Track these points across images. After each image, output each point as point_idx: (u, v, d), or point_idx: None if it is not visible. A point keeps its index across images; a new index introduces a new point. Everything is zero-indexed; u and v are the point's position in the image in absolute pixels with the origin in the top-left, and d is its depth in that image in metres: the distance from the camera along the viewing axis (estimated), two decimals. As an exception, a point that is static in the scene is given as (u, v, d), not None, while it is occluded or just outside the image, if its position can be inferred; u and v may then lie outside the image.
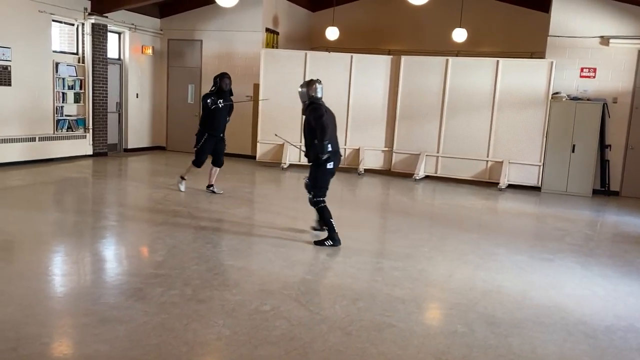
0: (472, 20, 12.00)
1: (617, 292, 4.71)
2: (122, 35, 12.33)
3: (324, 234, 5.62)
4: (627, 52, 10.06)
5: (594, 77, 10.28)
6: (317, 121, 5.39)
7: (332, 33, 12.38)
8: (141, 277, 4.34)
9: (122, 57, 12.43)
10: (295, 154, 11.51)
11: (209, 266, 4.73)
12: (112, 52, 11.98)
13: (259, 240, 5.77)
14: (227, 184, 8.80)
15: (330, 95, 11.23)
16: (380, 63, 11.37)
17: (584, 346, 3.58)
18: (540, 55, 12.07)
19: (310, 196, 5.65)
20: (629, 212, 8.77)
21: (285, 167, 11.40)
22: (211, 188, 8.17)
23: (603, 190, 10.26)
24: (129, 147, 12.76)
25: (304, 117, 5.73)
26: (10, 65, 9.51)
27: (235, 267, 4.79)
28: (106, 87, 11.61)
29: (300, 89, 5.78)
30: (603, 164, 10.24)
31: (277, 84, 11.54)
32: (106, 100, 11.65)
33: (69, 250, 5.07)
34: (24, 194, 7.69)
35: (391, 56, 11.40)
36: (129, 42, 12.40)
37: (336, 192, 7.90)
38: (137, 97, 12.81)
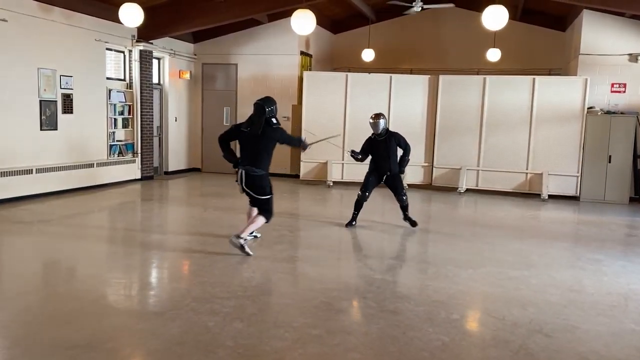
0: (491, 40, 12.64)
1: None
2: (161, 61, 12.55)
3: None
4: (655, 68, 10.80)
5: (624, 92, 10.99)
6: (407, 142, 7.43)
7: (368, 55, 12.87)
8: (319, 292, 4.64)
9: (161, 82, 12.64)
10: (338, 172, 11.87)
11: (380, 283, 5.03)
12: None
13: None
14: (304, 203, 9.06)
15: (369, 115, 11.75)
16: (418, 82, 11.87)
17: None
18: (558, 72, 12.83)
19: (405, 198, 7.45)
20: (673, 217, 9.39)
21: (330, 184, 11.74)
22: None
23: (638, 198, 10.91)
24: (169, 169, 12.92)
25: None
26: (72, 94, 9.66)
27: (391, 281, 5.11)
28: (152, 112, 11.81)
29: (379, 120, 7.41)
30: (637, 172, 10.90)
31: (319, 105, 11.93)
32: (152, 124, 11.85)
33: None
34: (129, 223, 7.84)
35: (429, 76, 11.91)
36: (168, 67, 12.62)
37: (394, 209, 8.25)
38: (175, 120, 13.01)
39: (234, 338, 3.67)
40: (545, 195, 10.88)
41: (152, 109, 11.83)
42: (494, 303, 4.60)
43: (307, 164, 12.09)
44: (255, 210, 6.09)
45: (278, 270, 5.37)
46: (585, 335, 3.93)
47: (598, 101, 11.06)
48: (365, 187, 7.56)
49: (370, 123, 7.53)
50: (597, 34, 11.04)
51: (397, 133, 7.63)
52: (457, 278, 5.26)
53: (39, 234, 6.82)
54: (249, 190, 5.93)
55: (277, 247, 6.29)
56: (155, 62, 12.24)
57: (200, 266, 5.39)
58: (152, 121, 11.88)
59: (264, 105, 5.86)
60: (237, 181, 5.96)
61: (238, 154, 6.13)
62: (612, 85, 11.05)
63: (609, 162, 10.73)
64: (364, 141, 7.72)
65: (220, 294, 4.53)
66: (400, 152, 7.55)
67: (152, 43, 11.52)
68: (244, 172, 5.84)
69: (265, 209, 5.97)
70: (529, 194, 11.21)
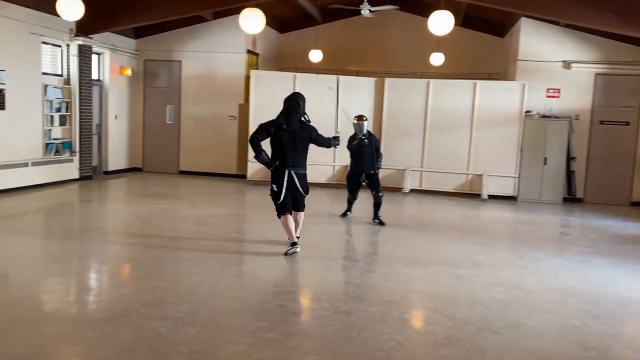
0: (434, 45, 12.97)
1: (659, 285, 5.57)
2: (101, 57, 12.09)
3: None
4: (586, 75, 11.41)
5: (559, 97, 11.55)
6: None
7: (315, 55, 12.92)
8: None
9: (101, 78, 12.17)
10: (286, 173, 11.81)
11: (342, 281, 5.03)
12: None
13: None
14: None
15: (317, 115, 11.79)
16: (365, 84, 12.01)
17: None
18: (498, 77, 13.35)
19: (381, 195, 7.79)
20: (603, 216, 9.92)
21: (278, 185, 11.66)
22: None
23: (570, 198, 11.49)
24: (109, 169, 12.46)
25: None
26: (4, 89, 9.14)
27: (346, 282, 5.13)
28: (91, 109, 11.36)
29: (364, 122, 7.75)
30: (569, 174, 11.48)
31: (266, 104, 11.80)
32: (91, 122, 11.40)
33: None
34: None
35: (375, 78, 12.08)
36: (109, 63, 12.18)
37: (342, 209, 8.37)
38: (115, 118, 12.57)
39: (187, 343, 3.58)
40: (485, 195, 11.26)
41: (92, 106, 11.38)
42: (444, 302, 4.71)
43: (255, 164, 11.94)
44: (290, 218, 5.90)
45: (229, 274, 5.28)
46: (531, 332, 4.09)
47: (535, 105, 11.56)
48: (352, 191, 8.10)
49: (354, 124, 7.75)
50: (534, 41, 11.54)
51: (373, 134, 8.25)
52: (408, 278, 5.35)
53: (-31, 237, 6.41)
54: (300, 190, 5.77)
55: (227, 250, 6.18)
56: (94, 57, 11.76)
57: (148, 270, 5.21)
58: (91, 119, 11.42)
59: (299, 101, 5.70)
60: (278, 185, 5.65)
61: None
62: (548, 90, 11.58)
63: (545, 163, 11.24)
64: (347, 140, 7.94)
65: (171, 299, 4.40)
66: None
67: (91, 38, 11.06)
68: (292, 172, 5.64)
69: (304, 204, 6.03)
70: (470, 194, 11.57)
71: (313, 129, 5.86)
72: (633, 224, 9.29)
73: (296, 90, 5.81)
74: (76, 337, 3.68)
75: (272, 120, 5.75)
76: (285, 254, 5.81)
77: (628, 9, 8.98)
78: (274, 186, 5.71)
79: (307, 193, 5.95)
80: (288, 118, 5.64)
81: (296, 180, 5.69)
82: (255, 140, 5.64)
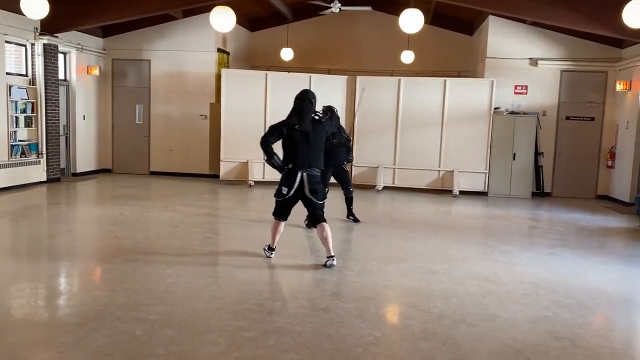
0: (405, 43, 13.11)
1: (626, 273, 5.75)
2: (67, 56, 11.84)
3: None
4: (552, 72, 11.68)
5: (526, 93, 11.80)
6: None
7: (286, 54, 12.91)
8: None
9: (68, 78, 11.92)
10: (259, 171, 11.79)
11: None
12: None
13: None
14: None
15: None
16: (337, 83, 12.05)
17: (642, 317, 4.47)
18: (467, 74, 13.57)
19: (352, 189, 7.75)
20: (570, 209, 10.19)
21: (252, 184, 11.62)
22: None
23: (539, 192, 11.76)
24: (78, 171, 12.22)
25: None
26: (-34, 89, 8.87)
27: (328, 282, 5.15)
28: (58, 110, 11.14)
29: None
30: (537, 169, 11.75)
31: (238, 103, 11.77)
32: (58, 123, 11.18)
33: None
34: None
35: (347, 76, 12.13)
36: (75, 63, 11.93)
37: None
38: (83, 119, 12.33)
39: (164, 345, 3.54)
40: (456, 191, 11.43)
41: (58, 106, 11.15)
42: (419, 296, 4.77)
43: (227, 163, 11.89)
44: (283, 225, 5.68)
45: (205, 274, 5.24)
46: (505, 323, 4.17)
47: (503, 102, 11.79)
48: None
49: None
50: (502, 39, 11.76)
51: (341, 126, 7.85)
52: (383, 274, 5.40)
53: None
54: (310, 197, 5.35)
55: (201, 251, 6.13)
56: (60, 56, 11.51)
57: (122, 272, 5.14)
58: (59, 119, 11.20)
59: (312, 99, 5.38)
60: (289, 188, 5.33)
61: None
62: (516, 87, 11.82)
63: (514, 159, 11.47)
64: None
65: (146, 301, 4.35)
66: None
67: (57, 36, 10.83)
68: (305, 175, 5.30)
69: (322, 212, 5.53)
70: (441, 191, 11.74)
71: (327, 123, 5.65)
72: (599, 216, 9.56)
73: (307, 89, 5.50)
74: (49, 343, 3.60)
75: (284, 121, 5.40)
76: (264, 254, 5.78)
77: (592, 7, 9.24)
78: (284, 189, 5.38)
79: (323, 198, 5.53)
80: (300, 118, 5.30)
81: (305, 184, 5.32)
82: (267, 143, 5.28)
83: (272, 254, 5.77)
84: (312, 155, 5.35)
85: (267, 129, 5.62)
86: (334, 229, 7.51)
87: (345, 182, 7.82)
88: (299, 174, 5.31)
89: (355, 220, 7.89)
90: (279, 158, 5.38)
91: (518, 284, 5.23)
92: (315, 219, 5.54)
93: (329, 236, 5.46)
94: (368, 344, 3.69)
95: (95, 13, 10.66)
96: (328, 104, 7.47)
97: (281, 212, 5.59)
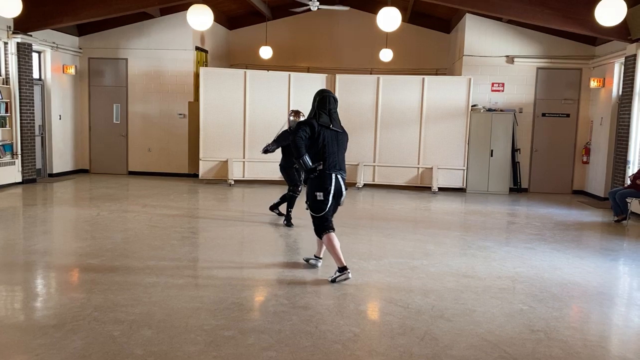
0: (383, 41, 13.18)
1: (600, 267, 5.87)
2: (42, 55, 11.66)
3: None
4: (528, 69, 11.85)
5: (503, 91, 11.95)
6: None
7: (265, 52, 12.87)
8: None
9: (43, 77, 11.73)
10: (239, 170, 11.75)
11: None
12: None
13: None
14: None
15: (269, 112, 11.78)
16: (317, 81, 12.05)
17: (622, 309, 4.57)
18: (444, 72, 13.70)
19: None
20: (546, 205, 10.36)
21: (232, 183, 11.59)
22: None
23: (516, 188, 11.92)
24: (54, 171, 12.04)
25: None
26: (-62, 89, 8.69)
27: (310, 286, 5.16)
28: (33, 110, 10.96)
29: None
30: (514, 165, 11.91)
31: (217, 101, 11.71)
32: (33, 123, 11.00)
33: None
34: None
35: (326, 74, 12.15)
36: (50, 62, 11.75)
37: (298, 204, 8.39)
38: (60, 118, 12.16)
39: (143, 346, 3.52)
40: (435, 188, 11.54)
41: (33, 106, 10.98)
42: (398, 292, 4.81)
43: (207, 162, 11.83)
44: (336, 236, 5.09)
45: (183, 274, 5.22)
46: (482, 318, 4.23)
47: (480, 99, 11.92)
48: (297, 182, 7.55)
49: (292, 121, 7.39)
50: (479, 37, 11.89)
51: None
52: (362, 270, 5.43)
53: None
54: (340, 201, 4.92)
55: (180, 250, 6.10)
56: (35, 55, 11.33)
57: (99, 273, 5.09)
58: (34, 119, 11.02)
59: (336, 98, 5.04)
60: (324, 192, 4.83)
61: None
62: (492, 84, 11.97)
63: (491, 155, 11.62)
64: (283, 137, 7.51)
65: (124, 302, 4.32)
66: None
67: (31, 35, 10.67)
68: (340, 177, 4.88)
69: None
70: (421, 187, 11.84)
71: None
72: (575, 211, 9.73)
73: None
74: (25, 346, 3.55)
75: (313, 119, 4.93)
76: (333, 281, 4.96)
77: (566, 6, 9.39)
78: (319, 194, 4.82)
79: (340, 204, 5.14)
80: (332, 117, 4.92)
81: (343, 187, 4.93)
82: (300, 139, 4.78)
83: (348, 273, 4.98)
84: (341, 157, 4.99)
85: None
86: (308, 227, 7.54)
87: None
88: (333, 176, 4.87)
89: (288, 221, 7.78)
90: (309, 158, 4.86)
91: (495, 279, 5.31)
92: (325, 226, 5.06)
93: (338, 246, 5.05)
94: (347, 340, 3.72)
95: (70, 11, 10.51)
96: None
97: (325, 222, 5.01)
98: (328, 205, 4.89)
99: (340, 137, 5.01)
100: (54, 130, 11.95)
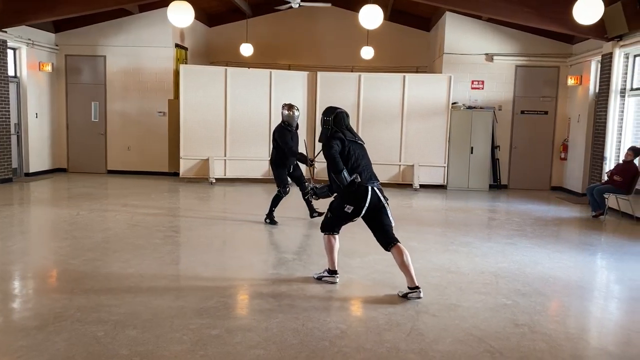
0: (364, 39, 13.20)
1: (579, 261, 5.97)
2: (17, 52, 11.42)
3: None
4: (507, 67, 11.99)
5: (483, 88, 12.07)
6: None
7: (246, 49, 12.80)
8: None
9: (18, 74, 11.50)
10: (220, 168, 11.68)
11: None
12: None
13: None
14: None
15: (250, 110, 11.70)
16: (298, 78, 12.03)
17: (600, 301, 4.66)
18: (425, 69, 13.77)
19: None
20: (526, 201, 10.50)
21: (213, 182, 11.50)
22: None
23: (496, 185, 12.07)
24: (31, 171, 11.82)
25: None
26: None
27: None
28: (8, 108, 10.74)
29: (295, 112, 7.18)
30: (494, 162, 12.05)
31: (197, 99, 11.61)
32: (9, 121, 10.78)
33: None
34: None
35: (307, 72, 12.12)
36: (26, 59, 11.52)
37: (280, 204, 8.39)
38: (36, 117, 11.93)
39: (128, 346, 3.48)
40: (416, 185, 11.62)
41: (8, 104, 10.75)
42: (383, 288, 4.83)
43: (187, 161, 11.73)
44: (338, 240, 4.93)
45: (168, 273, 5.17)
46: (466, 313, 4.27)
47: (460, 97, 12.03)
48: (287, 183, 7.46)
49: (286, 115, 7.31)
50: (458, 35, 11.99)
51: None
52: (348, 267, 5.44)
53: None
54: (385, 204, 4.69)
55: (163, 250, 6.04)
56: (10, 52, 11.09)
57: (81, 273, 5.01)
58: (9, 118, 10.80)
59: (347, 112, 4.97)
60: (355, 206, 4.63)
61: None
62: (472, 82, 12.08)
63: (471, 153, 11.73)
64: (278, 133, 7.40)
65: (108, 301, 4.26)
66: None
67: (5, 31, 10.43)
68: (376, 188, 4.69)
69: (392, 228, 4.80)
70: (402, 185, 11.90)
71: None
72: (553, 207, 9.89)
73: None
74: (6, 348, 3.48)
75: (335, 135, 4.74)
76: (319, 279, 4.97)
77: (544, 4, 9.53)
78: (349, 207, 4.64)
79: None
80: (352, 131, 4.86)
81: (381, 196, 4.70)
82: (335, 153, 4.58)
83: (336, 278, 4.95)
84: (371, 168, 4.87)
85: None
86: (295, 226, 7.55)
87: (300, 180, 7.67)
88: (370, 189, 4.64)
89: (320, 214, 7.84)
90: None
91: (478, 274, 5.37)
92: (388, 238, 4.74)
93: (410, 261, 4.63)
94: (334, 337, 3.72)
95: (46, 7, 10.30)
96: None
97: (337, 224, 4.89)
98: (350, 217, 4.75)
99: (365, 150, 4.94)
100: (30, 129, 11.71)
